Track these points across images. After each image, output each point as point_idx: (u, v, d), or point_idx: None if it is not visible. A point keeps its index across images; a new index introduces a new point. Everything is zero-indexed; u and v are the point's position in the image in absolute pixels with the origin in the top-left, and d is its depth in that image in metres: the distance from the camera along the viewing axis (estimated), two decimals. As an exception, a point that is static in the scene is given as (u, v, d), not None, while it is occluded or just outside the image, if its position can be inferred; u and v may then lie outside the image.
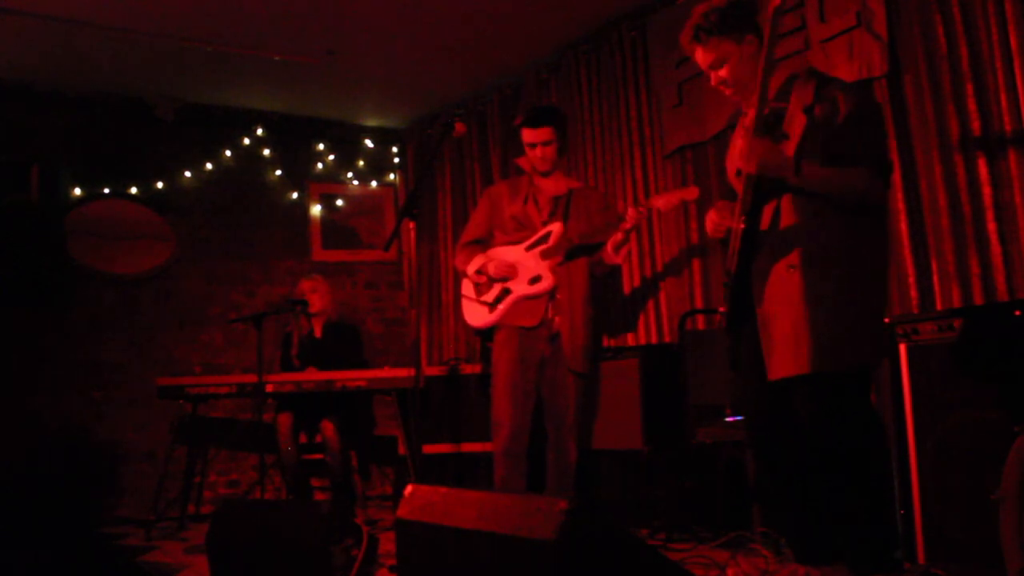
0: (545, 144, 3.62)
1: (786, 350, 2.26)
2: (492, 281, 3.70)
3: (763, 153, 2.24)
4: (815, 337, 2.22)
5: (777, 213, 2.33)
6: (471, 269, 3.77)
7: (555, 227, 3.62)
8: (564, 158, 3.87)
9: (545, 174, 3.69)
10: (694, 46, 2.45)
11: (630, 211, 3.45)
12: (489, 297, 3.71)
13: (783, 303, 2.29)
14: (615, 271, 3.84)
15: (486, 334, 3.82)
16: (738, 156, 2.44)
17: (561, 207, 3.68)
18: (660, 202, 3.43)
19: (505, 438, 3.55)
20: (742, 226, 2.34)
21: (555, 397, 3.59)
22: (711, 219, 2.57)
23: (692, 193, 3.43)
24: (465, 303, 3.83)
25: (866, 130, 2.28)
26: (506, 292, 3.65)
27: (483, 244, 3.85)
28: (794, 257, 2.28)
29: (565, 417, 3.57)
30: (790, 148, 2.30)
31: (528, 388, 3.59)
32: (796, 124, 2.28)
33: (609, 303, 4.69)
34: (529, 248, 3.65)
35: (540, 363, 3.60)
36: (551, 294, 3.59)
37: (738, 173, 2.49)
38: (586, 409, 3.83)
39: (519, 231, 3.70)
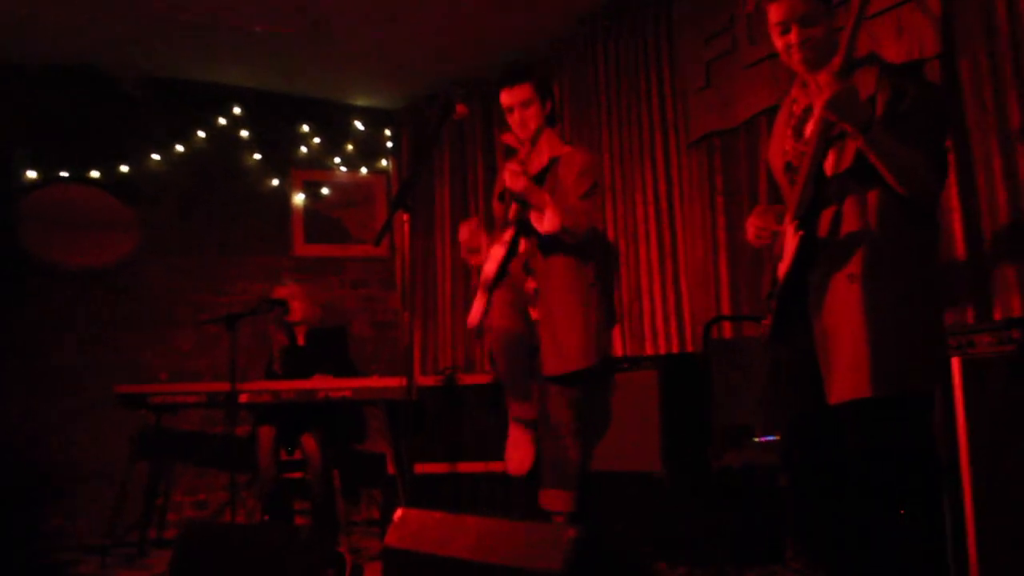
0: (524, 105, 3.44)
1: (847, 371, 2.28)
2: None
3: (839, 91, 2.17)
4: (876, 358, 2.24)
5: (838, 218, 2.34)
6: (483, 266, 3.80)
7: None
8: (555, 128, 3.66)
9: (530, 143, 3.61)
10: None
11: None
12: (481, 302, 3.73)
13: (842, 317, 2.30)
14: (611, 253, 3.80)
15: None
16: (788, 148, 2.43)
17: None
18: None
19: (499, 340, 3.47)
20: (800, 232, 2.35)
21: (547, 409, 3.57)
22: (753, 224, 2.57)
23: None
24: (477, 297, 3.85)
25: (928, 119, 2.30)
26: (490, 302, 3.67)
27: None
28: (855, 267, 2.29)
29: (560, 428, 3.55)
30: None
31: (524, 337, 3.50)
32: None
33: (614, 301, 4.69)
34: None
35: (531, 351, 3.57)
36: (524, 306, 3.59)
37: (787, 168, 2.48)
38: (590, 414, 3.78)
39: (502, 229, 3.69)
